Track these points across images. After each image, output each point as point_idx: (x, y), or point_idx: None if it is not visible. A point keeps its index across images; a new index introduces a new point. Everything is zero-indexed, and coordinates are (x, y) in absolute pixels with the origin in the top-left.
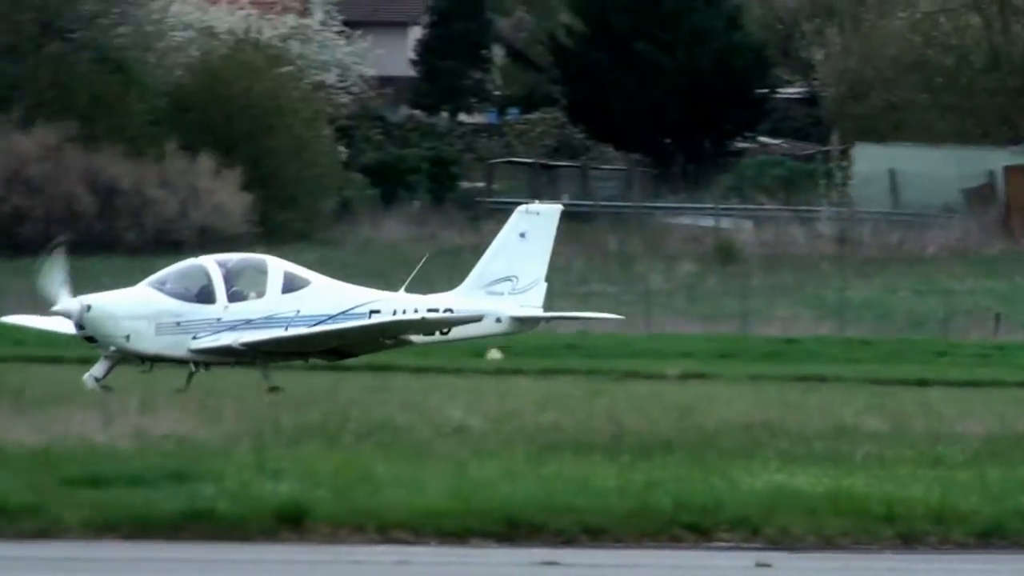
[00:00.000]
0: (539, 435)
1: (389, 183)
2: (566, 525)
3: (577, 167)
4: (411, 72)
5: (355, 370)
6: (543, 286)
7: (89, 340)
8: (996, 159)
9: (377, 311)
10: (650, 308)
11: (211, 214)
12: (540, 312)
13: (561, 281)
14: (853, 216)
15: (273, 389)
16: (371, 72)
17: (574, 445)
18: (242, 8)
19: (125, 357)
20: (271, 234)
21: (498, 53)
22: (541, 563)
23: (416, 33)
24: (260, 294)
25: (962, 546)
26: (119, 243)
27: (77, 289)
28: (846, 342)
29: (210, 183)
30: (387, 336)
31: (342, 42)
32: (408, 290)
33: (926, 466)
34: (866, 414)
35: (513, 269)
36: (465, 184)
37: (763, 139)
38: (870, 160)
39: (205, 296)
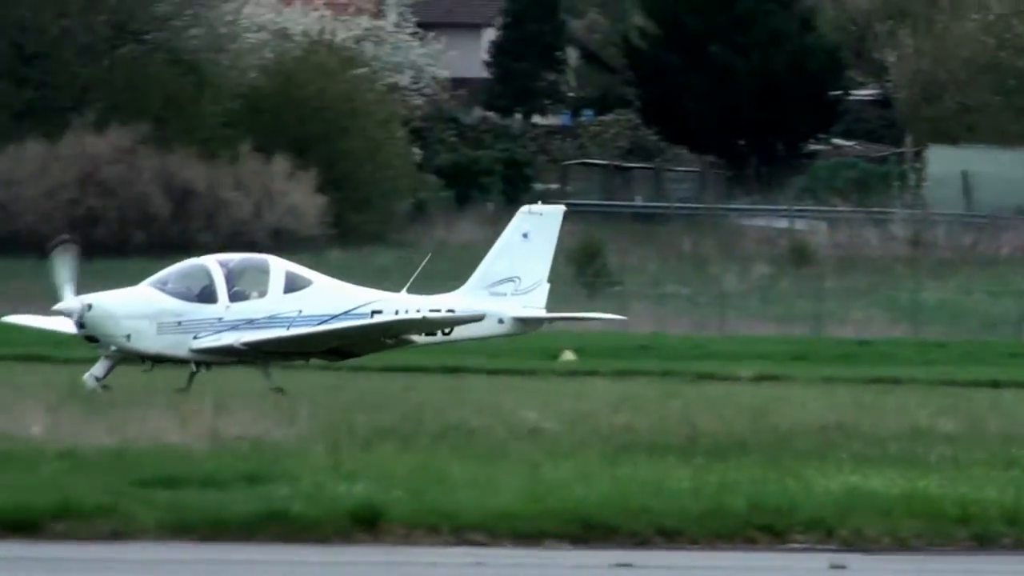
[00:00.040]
0: (613, 436)
1: (463, 185)
2: (640, 527)
3: (651, 169)
4: (485, 74)
5: (430, 372)
6: (546, 287)
7: (90, 340)
8: None
9: (379, 311)
10: (724, 310)
11: (285, 216)
12: (543, 313)
13: (635, 283)
14: (926, 218)
15: (276, 390)
16: (445, 74)
17: (648, 447)
18: (316, 10)
19: (126, 357)
20: (345, 236)
21: (572, 55)
22: (615, 565)
23: (490, 35)
24: (262, 294)
25: None
26: (193, 245)
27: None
28: (920, 344)
29: (284, 185)
30: (389, 336)
31: (416, 44)
32: (410, 290)
33: (1000, 468)
34: (940, 416)
35: (516, 270)
36: (539, 186)
37: (836, 141)
38: (943, 162)
39: (207, 296)
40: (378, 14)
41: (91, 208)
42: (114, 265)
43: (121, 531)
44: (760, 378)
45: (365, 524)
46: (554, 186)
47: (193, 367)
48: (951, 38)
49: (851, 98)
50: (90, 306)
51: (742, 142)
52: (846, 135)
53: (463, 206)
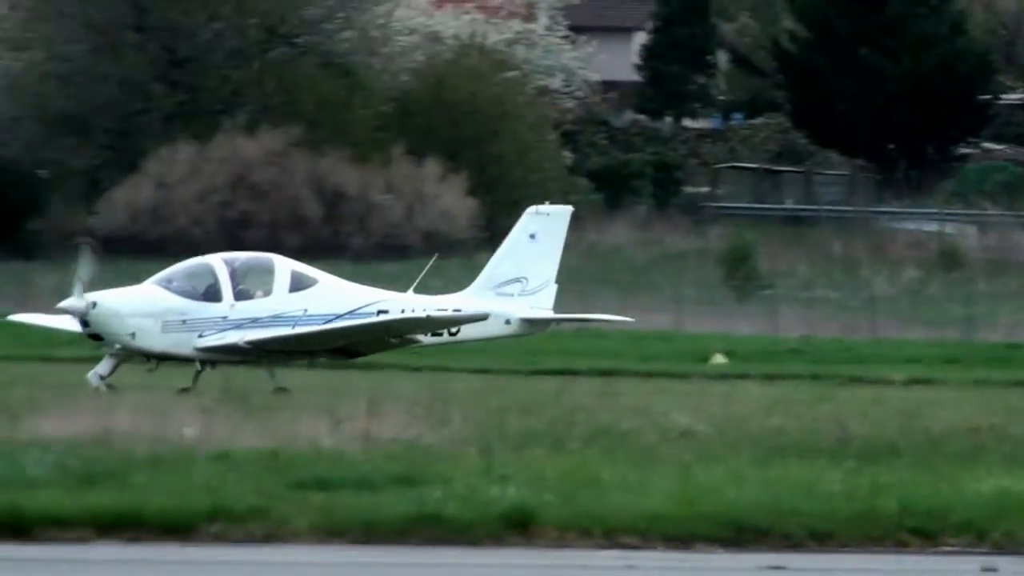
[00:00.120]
0: (764, 439)
1: (613, 188)
2: (792, 530)
3: (800, 172)
4: (635, 77)
5: (581, 375)
6: (553, 287)
7: (95, 338)
8: None
9: (385, 311)
10: (874, 313)
11: (437, 219)
12: (550, 313)
13: (785, 286)
14: None
15: (280, 390)
16: (595, 77)
17: (799, 449)
18: (467, 13)
19: (131, 355)
20: (496, 239)
21: (722, 58)
22: (767, 568)
23: (640, 38)
24: (267, 293)
25: None
26: (345, 248)
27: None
28: None
29: (436, 188)
30: (393, 335)
31: (567, 47)
32: (416, 290)
33: None
34: None
35: (523, 270)
36: (689, 189)
37: (986, 145)
38: None
39: (211, 295)
40: (529, 17)
41: (243, 211)
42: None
43: (274, 533)
44: (911, 381)
45: (517, 527)
46: (704, 189)
47: (198, 366)
48: None
49: (1001, 102)
50: (95, 304)
51: (892, 145)
52: (996, 139)
53: (613, 209)
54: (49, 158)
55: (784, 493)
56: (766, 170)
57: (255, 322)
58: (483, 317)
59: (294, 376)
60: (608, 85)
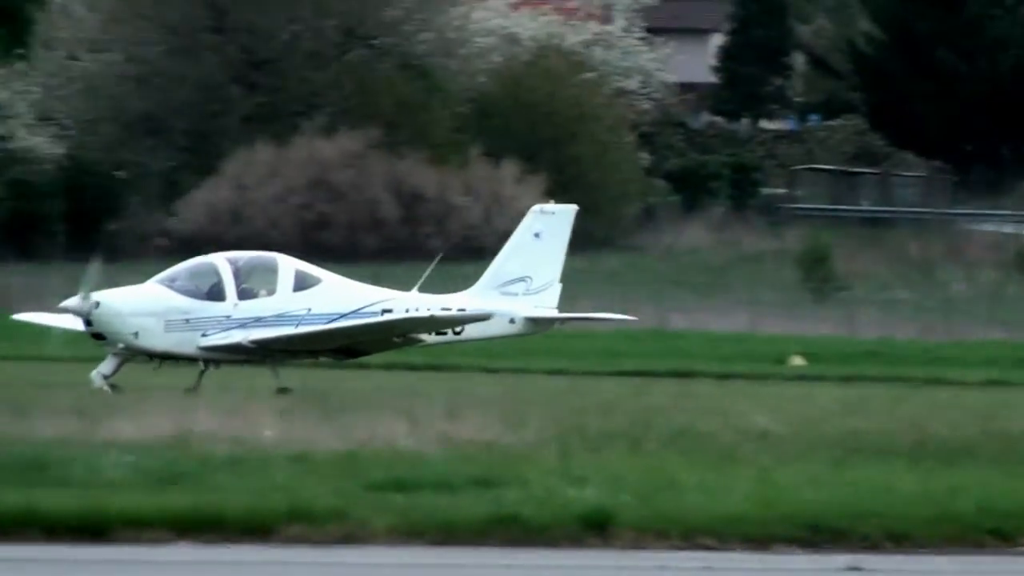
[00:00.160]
0: (842, 441)
1: (691, 189)
2: (869, 531)
3: (877, 174)
4: (712, 78)
5: (659, 376)
6: (557, 287)
7: (98, 337)
8: None
9: (389, 310)
10: (951, 315)
11: (515, 221)
12: (554, 313)
13: (862, 287)
14: None
15: (283, 390)
16: (672, 79)
17: (877, 451)
18: (545, 15)
19: (134, 354)
20: (574, 241)
21: (798, 60)
22: (845, 569)
23: (717, 40)
24: (271, 292)
25: None
26: (423, 250)
27: None
28: None
29: (513, 190)
30: (397, 334)
31: (644, 48)
32: (421, 289)
33: None
34: None
35: (527, 270)
36: (766, 190)
37: None
38: None
39: (215, 294)
40: (606, 19)
41: (320, 212)
42: (343, 270)
43: (352, 535)
44: (989, 383)
45: (595, 528)
46: (781, 191)
47: (201, 365)
48: None
49: None
50: (97, 304)
51: (968, 147)
52: None
53: (691, 211)
54: (128, 159)
55: (861, 494)
56: (843, 171)
57: (259, 321)
58: (486, 317)
59: (377, 377)
60: (685, 87)
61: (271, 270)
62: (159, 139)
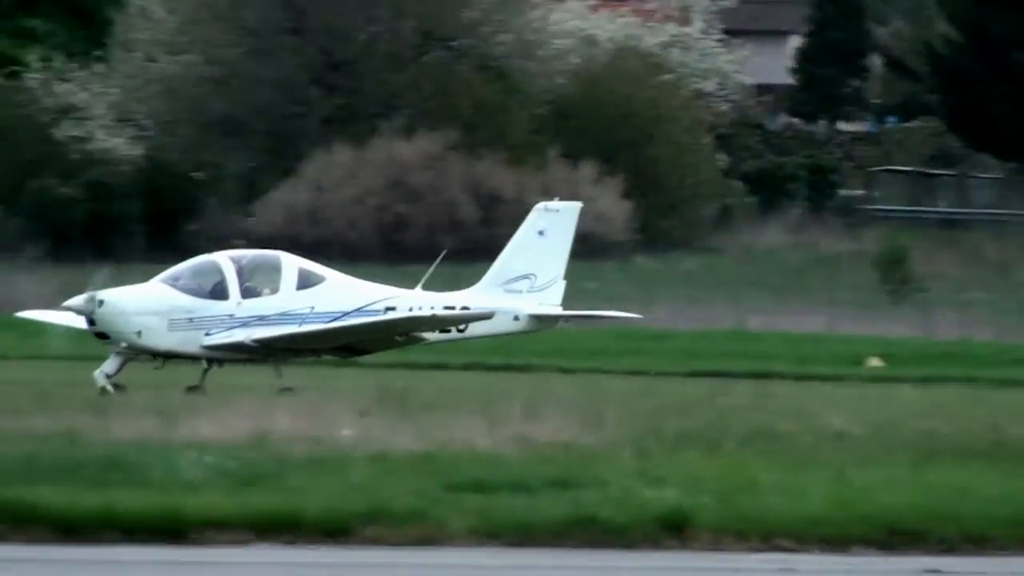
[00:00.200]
0: (920, 442)
1: (768, 191)
2: (948, 533)
3: (954, 175)
4: (789, 80)
5: (736, 377)
6: (562, 284)
7: (101, 336)
8: None
9: (392, 308)
10: None
11: (593, 222)
12: (559, 310)
13: (939, 288)
14: None
15: (286, 390)
16: (750, 80)
17: (955, 452)
18: (623, 16)
19: (137, 353)
20: (652, 242)
21: (876, 61)
22: (922, 571)
23: (795, 41)
24: (274, 290)
25: None
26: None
27: None
28: None
29: (592, 191)
30: (400, 333)
31: (722, 50)
32: (424, 287)
33: None
34: None
35: (531, 267)
36: (843, 192)
37: None
38: None
39: (218, 292)
40: (684, 21)
41: (399, 214)
42: (423, 271)
43: (431, 536)
44: None
45: (673, 529)
46: (859, 192)
47: (205, 364)
48: None
49: None
50: (101, 302)
51: None
52: None
53: (768, 212)
54: (206, 160)
55: (940, 496)
56: (920, 173)
57: (262, 320)
58: (489, 316)
59: (454, 377)
60: (763, 88)
61: (274, 268)
62: (238, 140)
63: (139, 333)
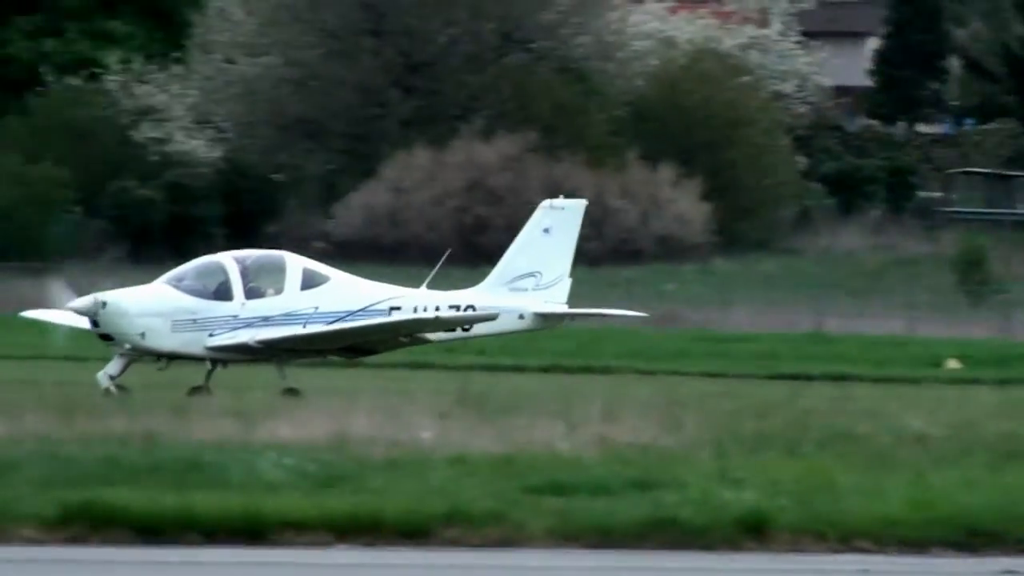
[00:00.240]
0: (998, 444)
1: (847, 192)
2: None
3: None
4: (868, 82)
5: (815, 380)
6: (567, 282)
7: (104, 338)
8: None
9: (397, 307)
10: None
11: (671, 224)
12: (564, 308)
13: (1019, 290)
14: None
15: (290, 391)
16: (828, 82)
17: None
18: (701, 18)
19: (141, 355)
20: (730, 244)
21: (954, 63)
22: (1001, 572)
23: (873, 43)
24: (278, 291)
25: None
26: (580, 253)
27: None
28: None
29: (670, 193)
30: (403, 334)
31: (800, 52)
32: (429, 286)
33: None
34: None
35: (537, 265)
36: (922, 194)
37: None
38: None
39: (222, 293)
40: (763, 23)
41: (478, 215)
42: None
43: (510, 537)
44: None
45: (752, 531)
46: (937, 194)
47: (209, 365)
48: None
49: None
50: (104, 304)
51: None
52: None
53: (847, 214)
54: (285, 162)
55: (1018, 497)
56: (998, 175)
57: (266, 320)
58: (492, 317)
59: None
60: (840, 90)
61: (278, 269)
62: (317, 142)
63: (143, 334)
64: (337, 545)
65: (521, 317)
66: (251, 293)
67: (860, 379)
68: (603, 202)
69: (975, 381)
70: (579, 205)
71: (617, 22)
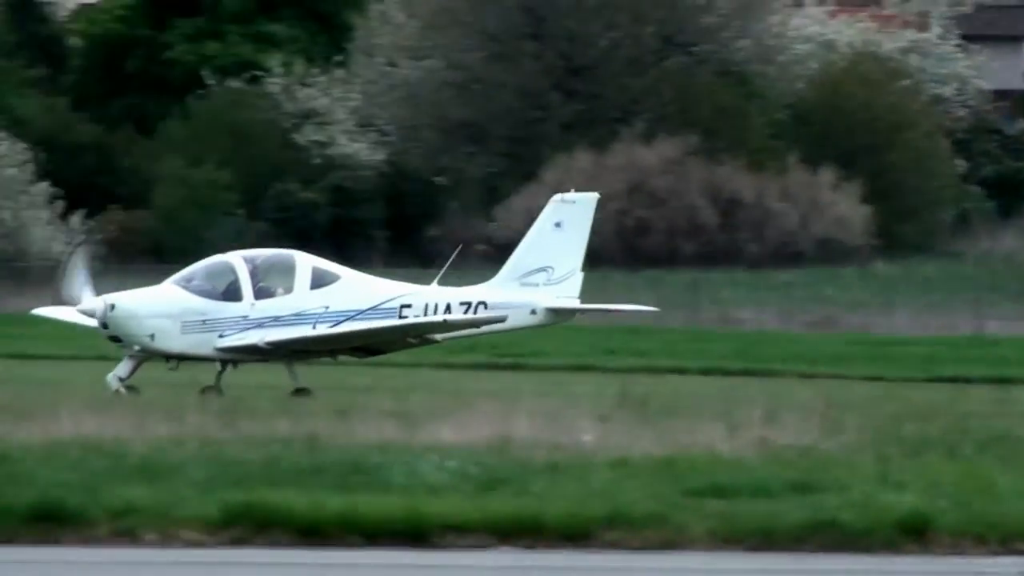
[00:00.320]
0: None
1: (1007, 196)
2: None
3: None
4: None
5: (975, 382)
6: (579, 276)
7: (114, 340)
8: None
9: (408, 305)
10: None
11: (831, 226)
12: (576, 303)
13: None
14: None
15: (300, 391)
16: (987, 86)
17: None
18: (861, 22)
19: (150, 356)
20: (890, 247)
21: None
22: None
23: None
24: (288, 290)
25: None
26: (740, 256)
27: None
28: None
29: (830, 196)
30: (412, 335)
31: (960, 56)
32: (440, 283)
33: None
34: None
35: (548, 260)
36: None
37: None
38: None
39: (232, 293)
40: (923, 26)
41: (639, 218)
42: (663, 275)
43: (671, 540)
44: None
45: (913, 534)
46: None
47: (219, 366)
48: None
49: None
50: (113, 306)
51: None
52: None
53: (1007, 217)
54: (447, 166)
55: None
56: None
57: (276, 320)
58: (501, 319)
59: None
60: (999, 94)
61: (288, 268)
62: (479, 145)
63: (152, 336)
64: (498, 547)
65: (533, 312)
66: (261, 293)
67: (1021, 382)
68: (763, 205)
69: None
70: (591, 199)
71: (778, 26)
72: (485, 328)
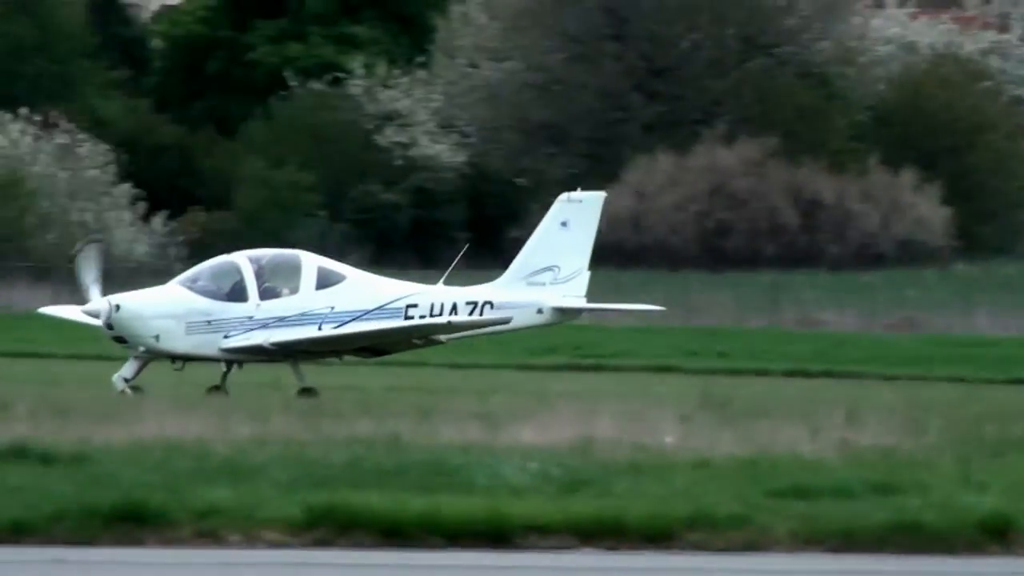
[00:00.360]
0: None
1: None
2: None
3: None
4: None
5: None
6: (586, 275)
7: (119, 341)
8: None
9: (414, 305)
10: None
11: (912, 228)
12: (583, 302)
13: None
14: None
15: (306, 391)
16: None
17: None
18: (942, 23)
19: (155, 357)
20: (971, 248)
21: None
22: None
23: None
24: (293, 291)
25: None
26: (821, 257)
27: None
28: None
29: (911, 197)
30: (417, 337)
31: None
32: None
33: None
34: None
35: (555, 259)
36: None
37: None
38: None
39: (237, 294)
40: (1003, 28)
41: (720, 220)
42: (745, 277)
43: (754, 541)
44: None
45: (995, 535)
46: None
47: (224, 366)
48: None
49: None
50: (118, 307)
51: None
52: None
53: None
54: (528, 167)
55: None
56: None
57: (282, 321)
58: (505, 321)
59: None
60: None
61: (293, 268)
62: (560, 147)
63: (157, 337)
64: (581, 549)
65: (539, 311)
66: (266, 293)
67: None
68: (844, 206)
69: None
70: (597, 198)
71: (859, 27)
72: (492, 327)
